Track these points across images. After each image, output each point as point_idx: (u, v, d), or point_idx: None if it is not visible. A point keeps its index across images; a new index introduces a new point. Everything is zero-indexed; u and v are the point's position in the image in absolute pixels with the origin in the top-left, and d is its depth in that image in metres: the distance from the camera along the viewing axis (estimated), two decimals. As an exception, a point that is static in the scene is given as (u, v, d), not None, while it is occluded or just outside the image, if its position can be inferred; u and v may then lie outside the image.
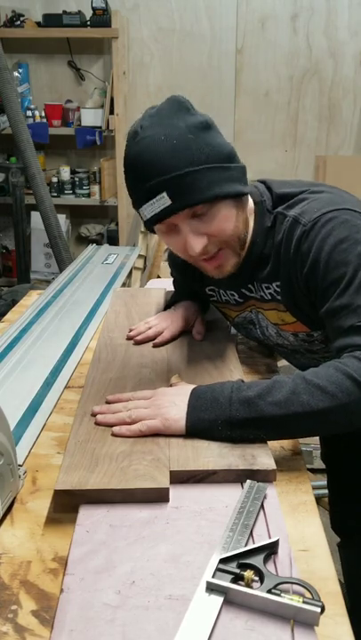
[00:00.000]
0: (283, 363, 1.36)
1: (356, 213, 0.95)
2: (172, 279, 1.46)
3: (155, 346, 1.22)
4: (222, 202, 0.95)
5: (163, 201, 0.92)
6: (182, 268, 1.29)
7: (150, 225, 0.98)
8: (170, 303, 1.36)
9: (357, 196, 1.05)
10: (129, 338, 1.26)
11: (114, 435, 0.87)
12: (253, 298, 1.12)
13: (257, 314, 1.14)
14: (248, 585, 0.61)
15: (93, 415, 0.93)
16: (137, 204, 0.97)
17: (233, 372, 1.09)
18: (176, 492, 0.78)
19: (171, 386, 0.97)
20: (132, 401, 0.93)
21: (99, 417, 0.91)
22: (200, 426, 0.86)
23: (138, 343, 1.23)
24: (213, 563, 0.63)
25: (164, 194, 0.91)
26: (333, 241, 0.92)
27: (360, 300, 0.88)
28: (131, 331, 1.27)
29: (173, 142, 0.91)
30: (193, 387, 0.90)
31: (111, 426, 0.89)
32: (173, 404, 0.88)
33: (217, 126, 0.98)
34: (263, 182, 1.08)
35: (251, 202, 1.05)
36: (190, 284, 1.31)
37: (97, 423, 0.91)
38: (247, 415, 0.83)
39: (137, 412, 0.89)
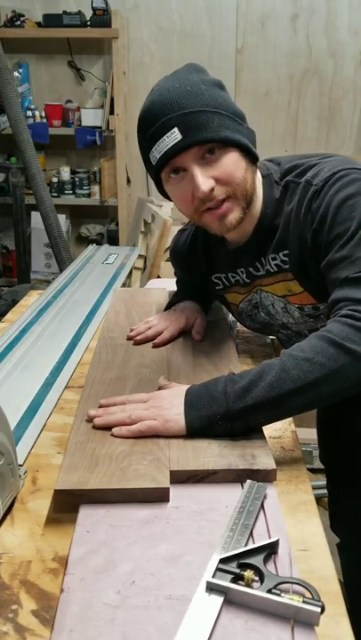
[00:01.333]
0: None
1: None
2: (171, 279, 1.46)
3: (154, 346, 1.22)
4: (232, 149, 0.97)
5: (174, 136, 0.93)
6: (187, 260, 1.29)
7: (158, 169, 0.99)
8: (170, 303, 1.36)
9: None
10: (129, 338, 1.26)
11: (113, 436, 0.87)
12: (260, 277, 1.12)
13: (260, 293, 1.14)
14: (248, 585, 0.61)
15: (90, 419, 0.91)
16: (147, 147, 0.98)
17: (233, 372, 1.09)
18: (176, 492, 0.78)
19: (160, 388, 0.97)
20: (130, 404, 0.93)
21: (96, 420, 0.90)
22: (199, 423, 0.85)
23: (137, 343, 1.23)
24: (213, 562, 0.63)
25: (175, 129, 0.93)
26: (342, 197, 0.93)
27: (359, 253, 0.89)
28: (131, 331, 1.27)
29: (187, 88, 0.95)
30: (187, 387, 0.90)
31: (111, 427, 0.89)
32: (172, 405, 0.88)
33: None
34: (270, 160, 1.10)
35: (259, 174, 1.06)
36: (193, 278, 1.30)
37: (95, 427, 0.89)
38: (244, 404, 0.83)
39: (136, 413, 0.89)
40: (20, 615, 0.62)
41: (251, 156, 1.00)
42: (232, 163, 0.97)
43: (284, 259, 1.04)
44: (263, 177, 1.06)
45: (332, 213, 0.93)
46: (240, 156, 0.98)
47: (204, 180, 0.95)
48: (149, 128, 0.96)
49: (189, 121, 0.93)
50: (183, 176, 0.98)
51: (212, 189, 0.96)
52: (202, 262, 1.24)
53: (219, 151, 0.96)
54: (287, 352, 0.86)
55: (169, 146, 0.94)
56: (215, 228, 1.03)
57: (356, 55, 3.41)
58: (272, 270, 1.08)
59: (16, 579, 0.67)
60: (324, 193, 0.95)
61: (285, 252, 1.04)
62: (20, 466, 0.85)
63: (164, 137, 0.94)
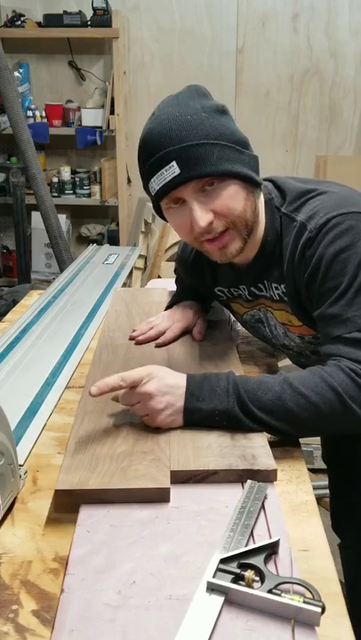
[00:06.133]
0: (284, 363, 1.36)
1: None
2: (172, 279, 1.45)
3: (157, 346, 1.22)
4: (232, 181, 0.96)
5: (172, 170, 0.93)
6: (192, 270, 1.29)
7: (157, 200, 0.99)
8: (171, 303, 1.35)
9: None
10: (131, 338, 1.26)
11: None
12: (263, 297, 1.12)
13: (266, 312, 1.14)
14: (249, 585, 0.61)
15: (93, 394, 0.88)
16: (146, 177, 0.98)
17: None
18: (177, 492, 0.78)
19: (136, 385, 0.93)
20: (125, 394, 0.91)
21: (93, 390, 0.88)
22: (198, 416, 0.89)
23: (139, 343, 1.23)
24: (214, 563, 0.63)
25: (174, 163, 0.92)
26: (334, 250, 0.92)
27: (350, 313, 0.90)
28: (133, 331, 1.27)
29: (188, 117, 0.93)
30: (181, 395, 0.90)
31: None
32: (168, 416, 0.88)
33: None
34: (270, 180, 1.08)
35: (262, 198, 1.05)
36: (200, 286, 1.30)
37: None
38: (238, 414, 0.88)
39: (133, 409, 0.90)
40: (21, 615, 0.62)
41: (252, 183, 0.99)
42: (231, 195, 0.96)
43: (284, 290, 1.05)
44: (265, 202, 1.05)
45: (324, 267, 0.93)
46: (240, 186, 0.97)
47: (202, 214, 0.95)
48: (149, 158, 0.95)
49: (188, 155, 0.92)
50: (183, 207, 0.97)
51: (211, 223, 0.96)
52: (207, 273, 1.25)
53: (218, 184, 0.95)
54: (289, 379, 0.88)
55: (167, 179, 0.94)
56: (216, 257, 1.03)
57: (357, 55, 3.41)
58: (275, 298, 1.08)
59: (16, 579, 0.67)
60: (318, 242, 0.94)
61: (284, 285, 1.04)
62: (21, 466, 0.85)
63: (163, 170, 0.93)
